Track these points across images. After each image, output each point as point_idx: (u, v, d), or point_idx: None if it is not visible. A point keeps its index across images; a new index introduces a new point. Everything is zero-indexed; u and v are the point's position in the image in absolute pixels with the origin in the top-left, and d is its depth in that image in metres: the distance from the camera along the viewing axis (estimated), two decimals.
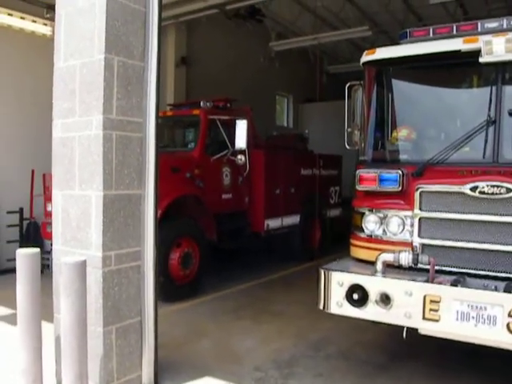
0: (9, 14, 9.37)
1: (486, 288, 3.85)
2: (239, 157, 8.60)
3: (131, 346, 4.25)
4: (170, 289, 7.34)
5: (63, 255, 4.10)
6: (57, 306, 4.22)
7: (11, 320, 5.23)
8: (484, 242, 4.07)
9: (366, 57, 5.02)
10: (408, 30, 5.04)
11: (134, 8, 4.17)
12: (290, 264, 10.17)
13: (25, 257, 3.72)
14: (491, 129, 4.30)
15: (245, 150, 8.55)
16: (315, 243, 11.13)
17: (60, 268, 3.79)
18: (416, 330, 3.96)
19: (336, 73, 17.79)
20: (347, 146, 5.38)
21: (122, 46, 4.09)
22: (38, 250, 3.81)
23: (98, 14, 3.96)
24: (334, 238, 11.23)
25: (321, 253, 10.72)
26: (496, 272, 4.05)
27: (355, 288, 4.12)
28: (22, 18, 9.52)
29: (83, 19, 4.08)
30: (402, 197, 4.52)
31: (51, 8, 4.69)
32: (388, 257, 4.13)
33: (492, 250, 4.05)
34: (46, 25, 9.62)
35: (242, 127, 8.17)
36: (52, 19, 4.28)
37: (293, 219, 10.34)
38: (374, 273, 4.15)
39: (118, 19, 4.03)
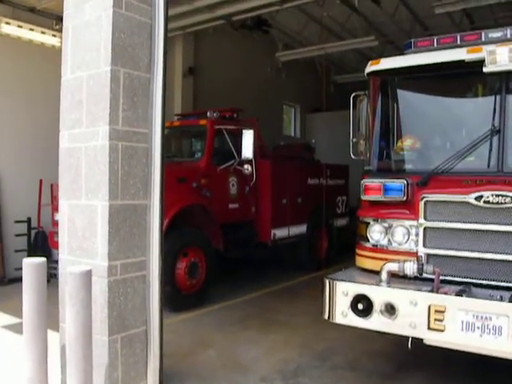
0: (18, 26, 9.51)
1: (491, 298, 3.83)
2: (246, 166, 8.66)
3: (136, 355, 4.27)
4: (176, 298, 7.36)
5: (69, 264, 4.12)
6: (62, 315, 4.25)
7: (18, 329, 5.26)
8: (489, 252, 4.07)
9: (371, 67, 5.05)
10: (412, 41, 5.08)
11: (140, 20, 4.23)
12: (296, 274, 10.15)
13: (31, 266, 3.75)
14: (495, 138, 4.30)
15: (251, 160, 8.59)
16: (322, 253, 11.09)
17: (66, 277, 3.82)
18: (421, 340, 3.94)
19: (343, 82, 17.83)
20: (352, 156, 5.39)
21: (128, 58, 4.14)
22: (44, 259, 3.84)
23: (104, 26, 4.03)
24: (342, 247, 11.21)
25: (328, 262, 10.70)
26: (502, 282, 4.04)
27: (360, 298, 4.11)
28: (31, 29, 9.65)
29: (90, 32, 4.14)
30: (407, 206, 4.53)
31: (60, 19, 4.78)
32: (393, 266, 4.14)
33: (497, 260, 4.04)
34: (54, 36, 9.74)
35: (248, 137, 8.21)
36: (61, 30, 4.37)
37: (300, 229, 10.33)
38: (378, 283, 4.15)
39: (124, 31, 4.08)
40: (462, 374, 5.05)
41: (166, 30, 4.43)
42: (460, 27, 12.51)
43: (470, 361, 4.78)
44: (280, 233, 9.68)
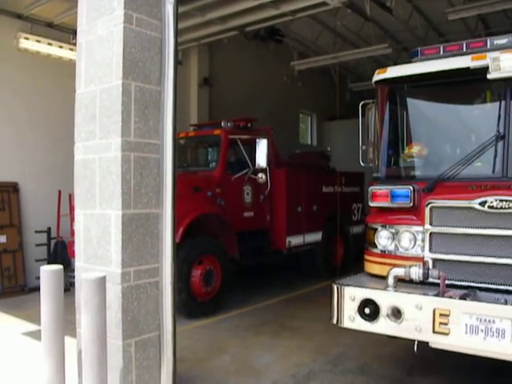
0: (37, 41, 9.79)
1: (496, 302, 3.88)
2: (260, 175, 8.76)
3: (150, 359, 4.38)
4: (192, 306, 7.49)
5: (85, 271, 4.24)
6: (79, 320, 4.38)
7: (37, 336, 5.41)
8: (494, 256, 4.11)
9: (378, 76, 5.14)
10: (419, 49, 5.16)
11: (150, 35, 4.38)
12: (312, 281, 10.20)
13: (48, 273, 3.88)
14: (500, 144, 4.35)
15: (266, 169, 8.72)
16: (338, 260, 11.12)
17: (81, 284, 3.95)
18: (427, 343, 4.00)
19: (359, 90, 17.86)
20: (362, 163, 5.50)
21: (139, 72, 4.28)
22: (60, 266, 3.96)
23: (115, 41, 4.18)
24: (357, 254, 11.20)
25: (344, 270, 10.71)
26: (507, 286, 4.07)
27: (367, 302, 4.18)
28: (49, 43, 9.93)
29: (102, 47, 4.30)
30: (414, 212, 4.59)
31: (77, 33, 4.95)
32: (399, 271, 4.20)
33: (502, 264, 4.08)
34: (72, 50, 9.96)
35: (262, 146, 8.34)
36: None
37: (315, 236, 10.41)
38: (385, 287, 4.22)
39: (134, 46, 4.23)
40: (472, 378, 5.08)
41: (176, 44, 4.57)
42: (475, 33, 12.52)
43: (480, 365, 4.82)
44: (295, 240, 9.77)
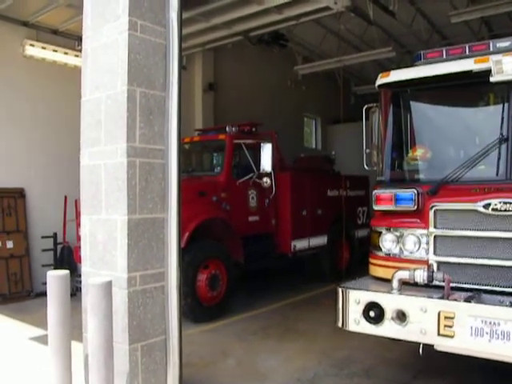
0: (42, 48, 9.87)
1: (500, 304, 3.88)
2: (265, 179, 8.79)
3: (156, 363, 4.40)
4: (198, 310, 7.50)
5: (91, 276, 4.27)
6: (85, 325, 4.41)
7: (44, 340, 5.44)
8: (498, 259, 4.11)
9: (381, 79, 5.16)
10: (422, 52, 5.17)
11: (154, 42, 4.42)
12: (318, 285, 10.20)
13: (55, 278, 3.92)
14: (504, 146, 4.36)
15: (270, 173, 8.74)
16: (343, 264, 11.08)
17: (88, 289, 3.98)
18: (432, 346, 4.01)
19: (363, 94, 17.88)
20: (366, 167, 5.50)
21: (144, 78, 4.33)
22: (67, 271, 4.00)
23: (120, 48, 4.23)
24: (363, 258, 11.19)
25: (349, 273, 10.70)
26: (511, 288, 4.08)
27: (372, 305, 4.20)
28: (54, 50, 10.01)
29: (107, 54, 4.35)
30: (418, 215, 4.60)
31: (82, 40, 5.00)
32: (403, 274, 4.21)
33: (506, 266, 4.09)
34: (77, 56, 10.02)
35: (266, 150, 8.37)
36: None
37: (320, 240, 10.40)
38: (390, 290, 4.23)
39: (139, 53, 4.28)
40: (478, 380, 5.07)
41: (181, 50, 4.61)
42: (478, 35, 12.51)
43: (485, 367, 4.81)
44: (300, 244, 9.77)
